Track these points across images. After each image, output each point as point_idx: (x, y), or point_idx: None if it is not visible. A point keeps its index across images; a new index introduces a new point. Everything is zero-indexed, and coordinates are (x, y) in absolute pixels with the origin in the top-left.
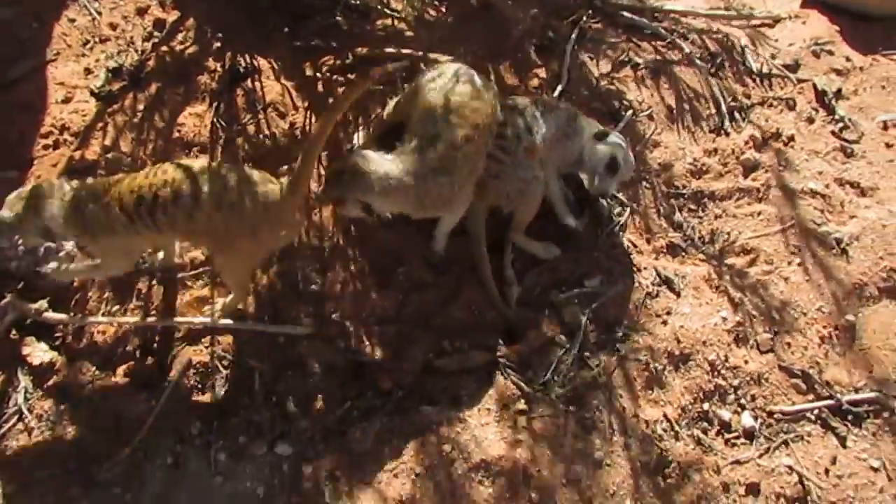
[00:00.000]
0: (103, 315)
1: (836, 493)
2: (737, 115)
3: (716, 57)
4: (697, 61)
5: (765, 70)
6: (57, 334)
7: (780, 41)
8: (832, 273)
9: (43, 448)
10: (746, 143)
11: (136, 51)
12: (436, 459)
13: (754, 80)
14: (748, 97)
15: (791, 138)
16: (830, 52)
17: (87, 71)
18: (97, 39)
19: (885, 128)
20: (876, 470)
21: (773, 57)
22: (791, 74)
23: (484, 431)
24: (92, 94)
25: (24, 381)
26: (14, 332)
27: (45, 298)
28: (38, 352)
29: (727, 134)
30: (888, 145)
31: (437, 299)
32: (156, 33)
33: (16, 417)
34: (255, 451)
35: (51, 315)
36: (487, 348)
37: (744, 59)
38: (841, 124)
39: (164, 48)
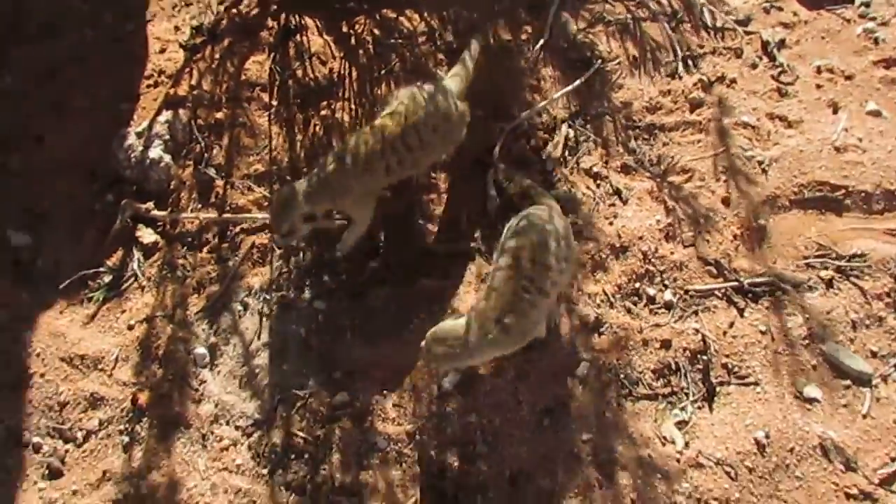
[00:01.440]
0: (192, 211)
1: (730, 348)
2: (690, 62)
3: (677, 13)
4: (661, 18)
5: (718, 24)
6: (159, 223)
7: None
8: (751, 187)
9: (151, 299)
10: (695, 84)
11: (213, 12)
12: (427, 313)
13: (709, 33)
14: (701, 47)
15: (734, 81)
16: (780, 9)
17: (177, 28)
18: (183, 3)
19: (819, 72)
20: (763, 333)
21: (728, 13)
22: (740, 28)
23: (465, 297)
24: (181, 46)
25: (137, 254)
26: (130, 221)
27: (151, 200)
28: (147, 235)
29: (680, 78)
30: (818, 86)
31: (437, 201)
32: None
33: (132, 279)
34: (299, 305)
35: (155, 212)
36: (471, 238)
37: (701, 16)
38: (780, 69)
39: (234, 10)
